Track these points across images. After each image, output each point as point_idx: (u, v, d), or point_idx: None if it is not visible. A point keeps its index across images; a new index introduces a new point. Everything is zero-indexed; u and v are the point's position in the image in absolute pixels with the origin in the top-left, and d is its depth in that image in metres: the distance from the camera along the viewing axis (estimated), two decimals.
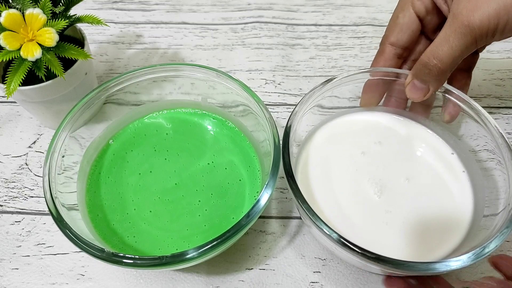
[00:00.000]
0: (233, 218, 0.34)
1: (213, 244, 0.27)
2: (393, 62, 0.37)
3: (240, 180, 0.36)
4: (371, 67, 0.38)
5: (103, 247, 0.27)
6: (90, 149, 0.36)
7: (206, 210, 0.34)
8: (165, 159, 0.37)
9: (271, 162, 0.31)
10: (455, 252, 0.31)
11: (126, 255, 0.27)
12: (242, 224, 0.28)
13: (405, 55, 0.38)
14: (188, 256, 0.27)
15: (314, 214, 0.28)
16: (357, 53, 0.51)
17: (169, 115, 0.40)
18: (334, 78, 0.36)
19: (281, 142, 0.32)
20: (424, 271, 0.26)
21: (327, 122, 0.39)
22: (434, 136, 0.38)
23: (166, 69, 0.37)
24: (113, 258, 0.27)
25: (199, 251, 0.27)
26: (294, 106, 0.35)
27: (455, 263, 0.26)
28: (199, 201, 0.34)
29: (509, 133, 0.43)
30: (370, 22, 0.55)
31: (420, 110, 0.39)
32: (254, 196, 0.35)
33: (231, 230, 0.28)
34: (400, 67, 0.39)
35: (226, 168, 0.36)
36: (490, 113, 0.45)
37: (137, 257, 0.26)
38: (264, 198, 0.29)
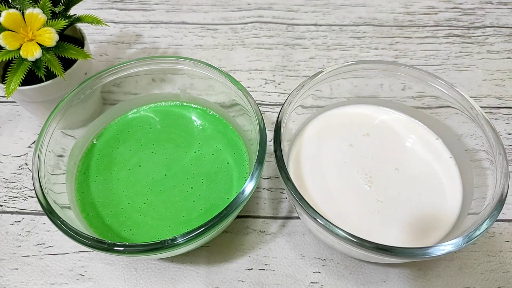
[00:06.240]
0: (227, 198, 0.34)
1: (221, 216, 0.28)
2: None
3: (228, 163, 0.37)
4: None
5: (92, 235, 0.27)
6: (75, 150, 0.36)
7: (199, 195, 0.35)
8: (152, 152, 0.37)
9: (257, 144, 0.31)
10: (447, 237, 0.32)
11: (118, 243, 0.27)
12: (245, 192, 0.29)
13: None
14: (198, 232, 0.27)
15: (312, 209, 0.28)
16: (357, 53, 0.51)
17: (151, 109, 0.41)
18: (320, 73, 0.36)
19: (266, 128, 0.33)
20: (421, 257, 0.27)
21: (316, 117, 0.40)
22: (419, 125, 0.39)
23: (142, 63, 0.37)
24: (101, 246, 0.27)
25: (208, 225, 0.28)
26: (284, 101, 0.35)
27: (450, 246, 0.27)
28: (191, 188, 0.35)
29: (509, 133, 0.43)
30: (370, 22, 0.55)
31: None
32: (244, 177, 0.36)
33: (236, 199, 0.29)
34: None
35: (213, 154, 0.37)
36: (490, 113, 0.45)
37: (133, 244, 0.27)
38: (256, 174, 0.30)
